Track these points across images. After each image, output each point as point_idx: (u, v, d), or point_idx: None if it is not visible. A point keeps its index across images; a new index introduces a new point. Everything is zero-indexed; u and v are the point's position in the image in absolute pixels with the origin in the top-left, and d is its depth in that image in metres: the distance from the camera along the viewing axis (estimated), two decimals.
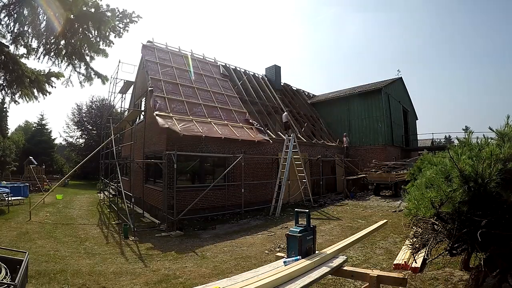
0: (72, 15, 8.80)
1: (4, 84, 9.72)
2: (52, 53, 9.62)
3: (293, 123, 26.75)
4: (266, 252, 10.12)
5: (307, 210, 5.99)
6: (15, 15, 8.90)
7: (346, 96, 31.95)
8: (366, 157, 29.30)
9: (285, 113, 23.62)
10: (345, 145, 28.18)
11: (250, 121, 21.10)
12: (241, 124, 20.10)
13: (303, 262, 5.21)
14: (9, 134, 43.32)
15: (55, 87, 10.44)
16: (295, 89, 36.01)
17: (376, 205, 19.40)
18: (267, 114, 24.75)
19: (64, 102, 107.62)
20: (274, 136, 21.70)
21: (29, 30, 9.27)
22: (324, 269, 5.22)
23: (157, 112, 16.19)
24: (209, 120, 18.38)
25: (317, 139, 27.03)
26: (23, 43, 9.38)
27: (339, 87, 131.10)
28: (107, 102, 36.20)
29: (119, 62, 20.66)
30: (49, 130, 49.38)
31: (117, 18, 9.21)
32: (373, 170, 23.98)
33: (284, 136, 21.12)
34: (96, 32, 9.33)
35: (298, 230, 5.66)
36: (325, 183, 25.53)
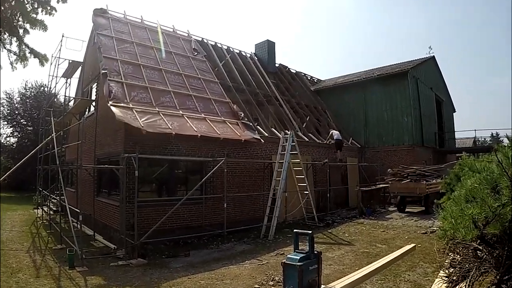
0: None
1: None
2: None
3: (292, 117, 26.76)
4: (256, 286, 10.06)
5: (310, 232, 5.96)
6: None
7: (361, 81, 32.08)
8: (387, 162, 29.38)
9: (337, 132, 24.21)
10: (333, 140, 26.44)
11: (235, 113, 21.06)
12: (223, 118, 20.04)
13: None
14: None
15: None
16: (294, 72, 36.07)
17: (401, 225, 19.45)
18: (257, 104, 24.71)
19: None
20: (266, 134, 21.67)
21: None
22: None
23: (112, 102, 16.05)
24: (181, 112, 18.29)
25: (323, 138, 27.08)
26: None
27: (352, 69, 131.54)
28: (46, 89, 35.90)
29: (63, 36, 20.40)
30: None
31: None
32: (397, 178, 24.04)
33: (280, 134, 21.10)
34: None
35: (298, 257, 5.61)
36: (333, 195, 25.53)
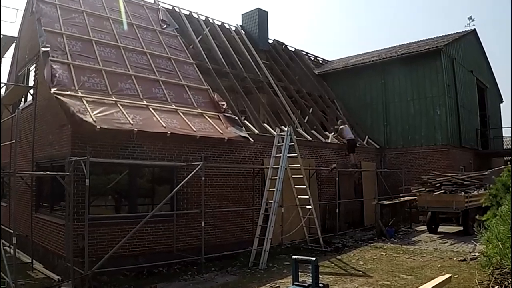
0: None
1: None
2: None
3: (290, 109, 26.77)
4: None
5: (314, 258, 5.97)
6: None
7: (381, 61, 32.20)
8: (414, 167, 29.52)
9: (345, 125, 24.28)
10: (345, 139, 27.21)
11: (216, 104, 21.04)
12: (200, 110, 20.00)
13: None
14: None
15: None
16: (293, 50, 36.10)
17: (432, 249, 19.51)
18: (244, 93, 24.71)
19: None
20: (256, 131, 21.69)
21: None
22: None
23: (55, 90, 15.93)
24: (145, 103, 18.21)
25: (331, 137, 27.08)
26: None
27: (367, 47, 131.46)
28: None
29: None
30: None
31: None
32: (427, 188, 24.03)
33: (275, 131, 21.08)
34: None
35: None
36: (344, 211, 25.57)
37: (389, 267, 16.24)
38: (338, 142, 26.74)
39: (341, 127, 26.87)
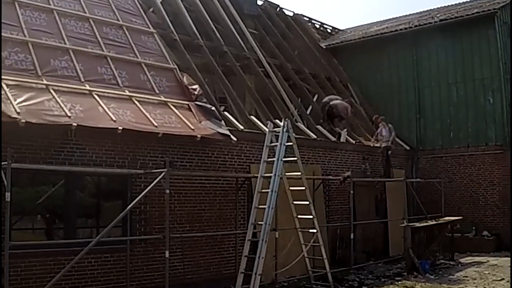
0: None
1: None
2: None
3: (287, 96, 26.88)
4: None
5: None
6: None
7: (411, 30, 32.28)
8: (458, 176, 29.57)
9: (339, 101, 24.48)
10: (383, 143, 27.49)
11: (186, 89, 21.11)
12: (163, 98, 20.05)
13: None
14: None
15: None
16: (291, 15, 36.15)
17: None
18: (224, 73, 24.76)
19: None
20: (241, 126, 21.79)
21: None
22: None
23: None
24: (87, 87, 18.16)
25: (343, 134, 27.19)
26: None
27: (393, 11, 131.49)
28: None
29: None
30: None
31: None
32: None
33: (266, 126, 21.11)
34: None
35: None
36: (361, 237, 25.64)
37: None
38: (354, 142, 26.82)
39: (380, 126, 26.65)
